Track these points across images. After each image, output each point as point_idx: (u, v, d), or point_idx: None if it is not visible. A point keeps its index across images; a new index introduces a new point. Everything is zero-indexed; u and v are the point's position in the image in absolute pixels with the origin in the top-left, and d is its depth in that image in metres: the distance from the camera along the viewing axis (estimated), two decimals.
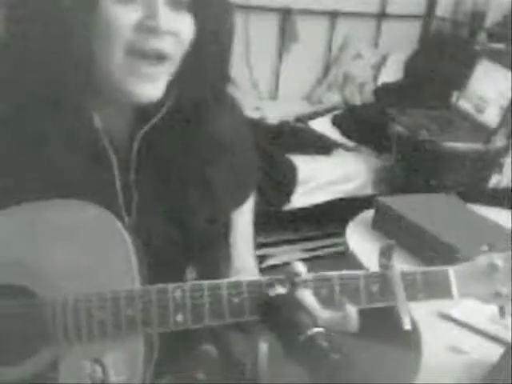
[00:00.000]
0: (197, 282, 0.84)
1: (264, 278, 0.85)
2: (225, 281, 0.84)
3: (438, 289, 0.89)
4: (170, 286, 0.82)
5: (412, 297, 0.87)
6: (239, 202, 1.06)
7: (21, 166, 0.86)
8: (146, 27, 0.83)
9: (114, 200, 0.91)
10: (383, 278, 0.86)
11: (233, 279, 0.85)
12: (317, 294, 0.85)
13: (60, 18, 0.81)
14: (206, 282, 0.83)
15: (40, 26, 0.83)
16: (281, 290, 0.83)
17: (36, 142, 0.85)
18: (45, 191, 0.84)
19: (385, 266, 0.87)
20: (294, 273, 0.84)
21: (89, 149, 0.88)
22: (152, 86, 0.86)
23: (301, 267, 0.85)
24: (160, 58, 0.85)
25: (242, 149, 1.03)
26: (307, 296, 0.84)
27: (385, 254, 0.87)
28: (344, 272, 0.87)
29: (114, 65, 0.84)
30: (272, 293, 0.82)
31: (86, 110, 0.88)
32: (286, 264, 1.07)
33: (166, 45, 0.85)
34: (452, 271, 0.89)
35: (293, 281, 0.84)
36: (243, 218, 1.07)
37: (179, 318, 0.82)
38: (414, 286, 0.87)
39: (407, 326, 0.83)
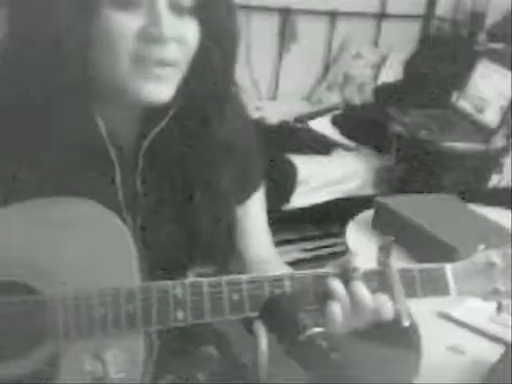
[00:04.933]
0: (197, 279, 0.85)
1: (319, 271, 0.85)
2: (224, 277, 0.84)
3: (435, 286, 0.89)
4: (170, 282, 0.82)
5: (410, 294, 0.87)
6: (244, 198, 1.05)
7: (21, 165, 0.86)
8: (150, 35, 0.81)
9: (116, 201, 0.91)
10: (381, 275, 0.87)
11: (232, 276, 0.85)
12: None
13: (57, 23, 0.80)
14: (205, 279, 0.83)
15: (38, 31, 0.81)
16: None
17: (37, 143, 0.85)
18: (45, 192, 0.84)
19: (383, 263, 0.87)
20: (351, 268, 0.85)
21: (92, 153, 0.88)
22: (162, 88, 0.85)
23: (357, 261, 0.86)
24: (166, 65, 0.84)
25: (247, 146, 1.03)
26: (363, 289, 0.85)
27: (383, 250, 0.88)
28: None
29: (120, 72, 0.83)
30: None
31: (89, 114, 0.87)
32: (288, 264, 1.07)
33: (170, 52, 0.83)
34: (449, 268, 0.90)
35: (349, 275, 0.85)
36: (252, 211, 1.06)
37: (179, 314, 0.82)
38: (411, 283, 0.87)
39: (406, 323, 0.83)
